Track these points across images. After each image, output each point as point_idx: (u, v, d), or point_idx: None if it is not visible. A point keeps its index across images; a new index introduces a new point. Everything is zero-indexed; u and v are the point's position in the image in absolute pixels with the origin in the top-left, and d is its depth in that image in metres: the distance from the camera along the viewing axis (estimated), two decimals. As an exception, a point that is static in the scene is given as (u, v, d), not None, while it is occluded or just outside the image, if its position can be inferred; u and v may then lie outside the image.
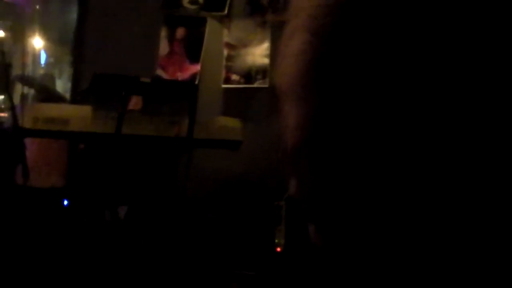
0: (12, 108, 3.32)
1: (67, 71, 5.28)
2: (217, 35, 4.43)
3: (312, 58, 0.42)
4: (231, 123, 3.71)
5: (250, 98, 4.26)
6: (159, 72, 4.52)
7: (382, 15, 0.39)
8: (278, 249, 3.46)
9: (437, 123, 0.38)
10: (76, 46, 5.02)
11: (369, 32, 0.40)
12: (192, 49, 4.49)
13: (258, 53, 4.27)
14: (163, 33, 4.57)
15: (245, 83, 4.31)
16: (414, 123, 0.38)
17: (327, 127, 0.41)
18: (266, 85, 4.22)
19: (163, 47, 4.56)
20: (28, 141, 3.71)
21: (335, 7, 0.41)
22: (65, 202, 3.82)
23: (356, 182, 0.41)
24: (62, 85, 5.46)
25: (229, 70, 4.37)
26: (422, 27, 0.38)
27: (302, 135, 0.43)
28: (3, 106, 4.44)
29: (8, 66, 3.86)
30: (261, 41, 4.26)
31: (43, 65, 5.61)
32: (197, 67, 4.46)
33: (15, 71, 4.48)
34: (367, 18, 0.40)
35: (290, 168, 0.46)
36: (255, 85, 4.27)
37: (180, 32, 4.54)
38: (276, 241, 3.47)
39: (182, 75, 4.48)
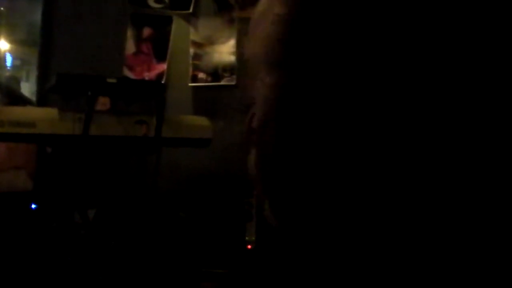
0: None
1: (34, 73, 5.21)
2: (184, 33, 4.42)
3: (284, 32, 0.42)
4: (200, 121, 3.70)
5: (218, 96, 4.26)
6: (126, 71, 4.49)
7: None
8: (249, 247, 3.45)
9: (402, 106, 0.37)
10: (42, 48, 4.96)
11: (334, 9, 0.40)
12: (159, 48, 4.47)
13: (225, 51, 4.26)
14: (129, 32, 4.54)
15: (212, 81, 4.30)
16: (376, 107, 0.38)
17: (294, 100, 0.41)
18: (234, 83, 4.22)
19: (130, 47, 4.53)
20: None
21: None
22: (33, 206, 3.77)
23: (315, 160, 0.41)
24: (29, 88, 5.40)
25: (196, 68, 4.35)
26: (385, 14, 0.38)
27: (271, 105, 0.43)
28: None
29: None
30: (227, 39, 4.26)
31: (9, 68, 5.54)
32: (164, 66, 4.44)
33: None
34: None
35: (255, 139, 0.46)
36: (222, 82, 4.27)
37: (146, 31, 4.52)
38: (247, 238, 3.47)
39: (149, 75, 4.46)
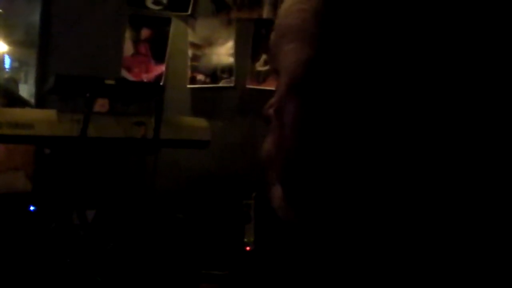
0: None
1: (33, 74, 5.20)
2: (182, 35, 4.41)
3: (320, 3, 0.42)
4: (198, 123, 3.71)
5: (217, 97, 4.26)
6: (124, 73, 4.48)
7: None
8: (248, 248, 3.45)
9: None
10: (41, 49, 4.95)
11: None
12: (157, 49, 4.46)
13: (224, 52, 4.26)
14: (128, 34, 4.53)
15: (211, 82, 4.29)
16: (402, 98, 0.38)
17: (325, 70, 0.41)
18: (232, 84, 4.22)
19: (128, 48, 4.52)
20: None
21: None
22: (32, 208, 3.77)
23: (337, 141, 0.41)
24: (28, 89, 5.38)
25: (194, 70, 4.35)
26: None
27: (300, 73, 0.43)
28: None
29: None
30: (226, 40, 4.26)
31: (7, 70, 5.53)
32: (162, 68, 4.44)
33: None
34: None
35: (276, 113, 0.46)
36: (221, 84, 4.27)
37: (144, 32, 4.51)
38: (246, 240, 3.47)
39: (147, 76, 4.46)
